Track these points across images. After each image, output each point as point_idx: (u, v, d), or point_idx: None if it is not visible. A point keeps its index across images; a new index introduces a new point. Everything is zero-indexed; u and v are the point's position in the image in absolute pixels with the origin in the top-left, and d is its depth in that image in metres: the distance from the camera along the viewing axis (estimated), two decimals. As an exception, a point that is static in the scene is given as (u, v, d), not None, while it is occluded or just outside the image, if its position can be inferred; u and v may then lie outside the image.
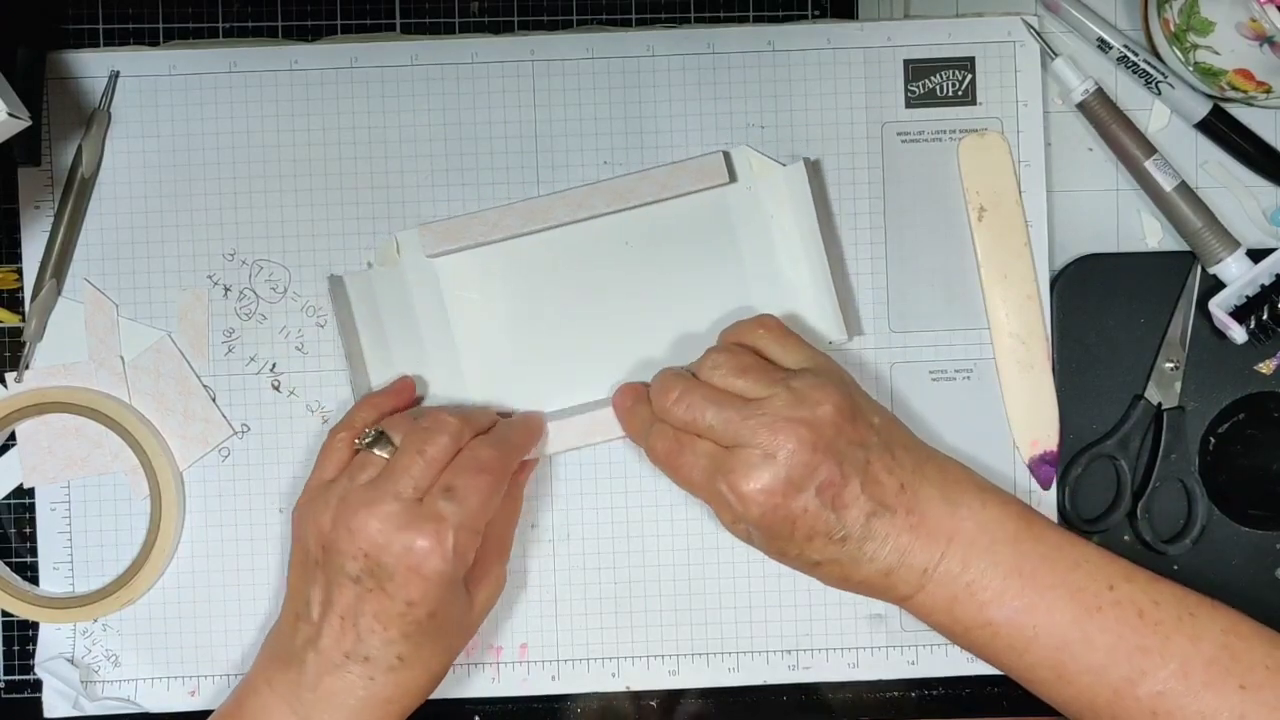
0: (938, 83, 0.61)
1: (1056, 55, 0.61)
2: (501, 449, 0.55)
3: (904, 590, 0.53)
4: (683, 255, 0.61)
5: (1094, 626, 0.51)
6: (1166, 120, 0.62)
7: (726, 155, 0.60)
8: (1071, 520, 0.61)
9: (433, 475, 0.53)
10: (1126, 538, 0.62)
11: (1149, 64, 0.60)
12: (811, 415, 0.51)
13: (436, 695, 0.61)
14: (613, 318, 0.61)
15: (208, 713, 0.61)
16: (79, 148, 0.60)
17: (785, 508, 0.51)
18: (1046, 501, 0.61)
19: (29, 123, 0.53)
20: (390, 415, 0.57)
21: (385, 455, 0.54)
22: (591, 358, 0.61)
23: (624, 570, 0.61)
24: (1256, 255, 0.60)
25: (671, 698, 0.62)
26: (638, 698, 0.62)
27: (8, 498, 0.61)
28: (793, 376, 0.53)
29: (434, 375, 0.60)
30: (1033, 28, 0.61)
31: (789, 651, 0.61)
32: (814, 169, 0.60)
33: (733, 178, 0.60)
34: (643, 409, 0.57)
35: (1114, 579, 0.52)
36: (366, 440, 0.55)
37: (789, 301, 0.60)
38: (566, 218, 0.60)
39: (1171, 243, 0.62)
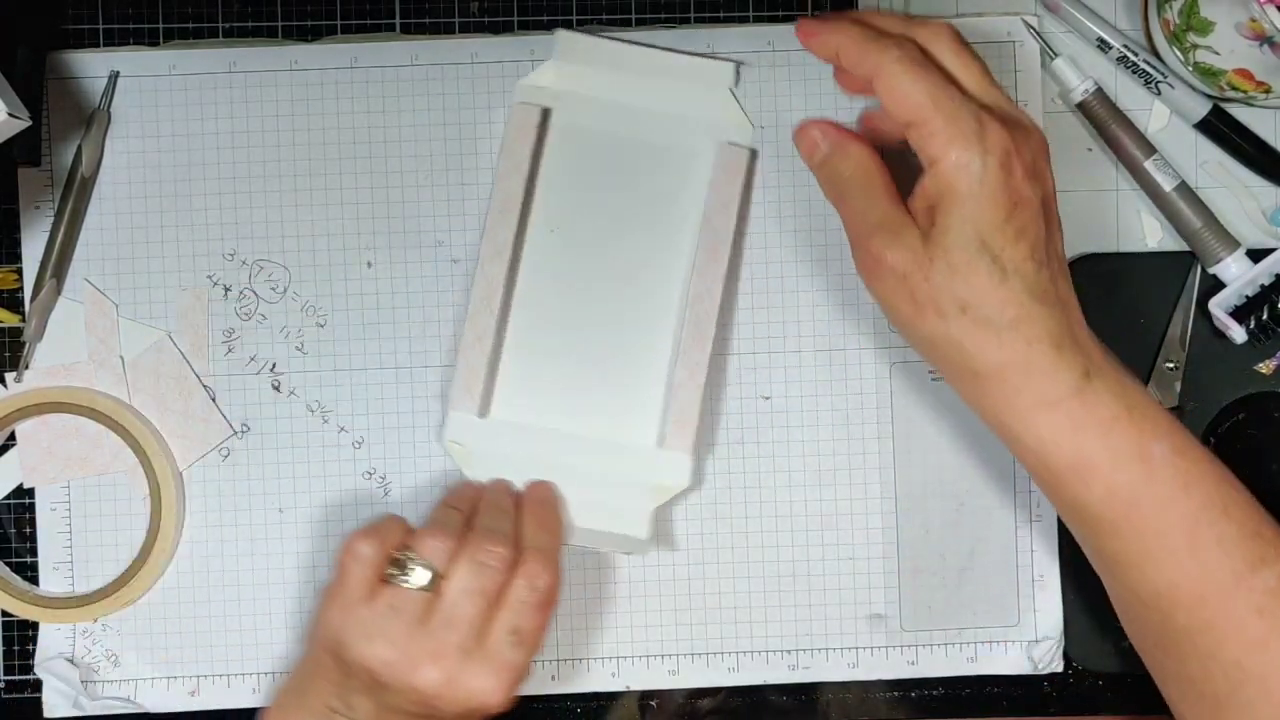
0: (938, 83, 0.61)
1: (1056, 55, 0.61)
2: (554, 568, 0.54)
3: (1062, 385, 0.48)
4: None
5: (1229, 494, 0.49)
6: (1166, 120, 0.62)
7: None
8: (1071, 520, 0.61)
9: (490, 612, 0.52)
10: (1126, 538, 0.62)
11: (1149, 64, 0.60)
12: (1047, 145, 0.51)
13: (436, 695, 0.61)
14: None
15: (207, 713, 0.61)
16: (79, 148, 0.60)
17: (1018, 180, 0.48)
18: (1047, 502, 0.61)
19: (29, 123, 0.53)
20: (420, 532, 0.54)
21: (424, 583, 0.52)
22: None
23: (624, 570, 0.61)
24: (1256, 255, 0.60)
25: (671, 698, 0.62)
26: (638, 698, 0.62)
27: (8, 498, 0.61)
28: None
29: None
30: (1032, 28, 0.61)
31: (789, 651, 0.61)
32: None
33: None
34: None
35: None
36: (404, 568, 0.53)
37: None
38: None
39: (1171, 243, 0.62)
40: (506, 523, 0.55)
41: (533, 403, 0.60)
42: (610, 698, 0.62)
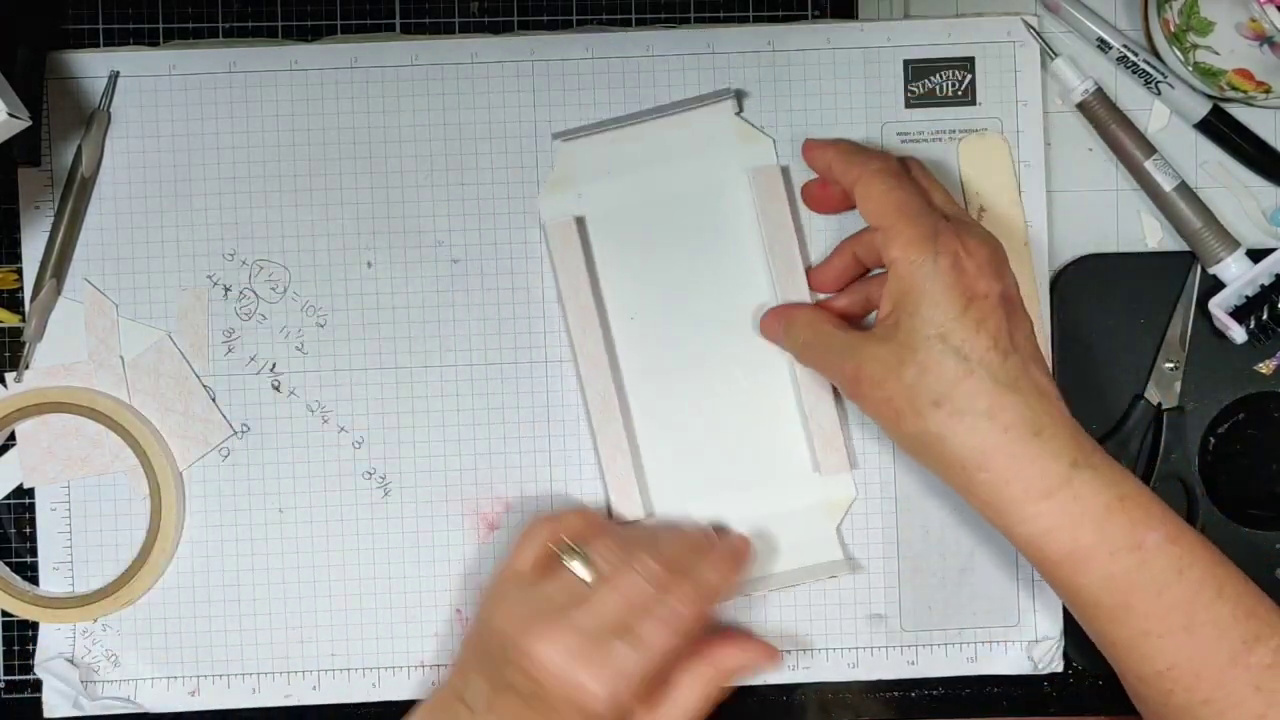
0: (938, 83, 0.61)
1: (1056, 55, 0.61)
2: (702, 605, 0.54)
3: (1050, 475, 0.49)
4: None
5: (1224, 574, 0.50)
6: (1166, 120, 0.62)
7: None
8: (1071, 520, 0.61)
9: (623, 615, 0.52)
10: (1126, 538, 0.62)
11: (1149, 64, 0.60)
12: (1006, 254, 0.54)
13: (436, 695, 0.61)
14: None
15: (207, 713, 0.61)
16: (79, 148, 0.60)
17: (971, 277, 0.51)
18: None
19: (29, 123, 0.53)
20: (600, 531, 0.56)
21: (584, 575, 0.54)
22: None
23: (624, 570, 0.61)
24: (1256, 255, 0.60)
25: (671, 698, 0.62)
26: (638, 698, 0.62)
27: (8, 498, 0.61)
28: None
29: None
30: (1032, 28, 0.61)
31: (789, 651, 0.61)
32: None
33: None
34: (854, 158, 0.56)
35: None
36: (569, 555, 0.54)
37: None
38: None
39: (1171, 243, 0.62)
40: (683, 550, 0.55)
41: (688, 482, 0.60)
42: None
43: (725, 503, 0.60)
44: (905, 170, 0.55)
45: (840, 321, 0.56)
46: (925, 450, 0.51)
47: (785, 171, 0.61)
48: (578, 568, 0.54)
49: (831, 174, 0.57)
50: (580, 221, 0.60)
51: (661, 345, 0.61)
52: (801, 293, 0.60)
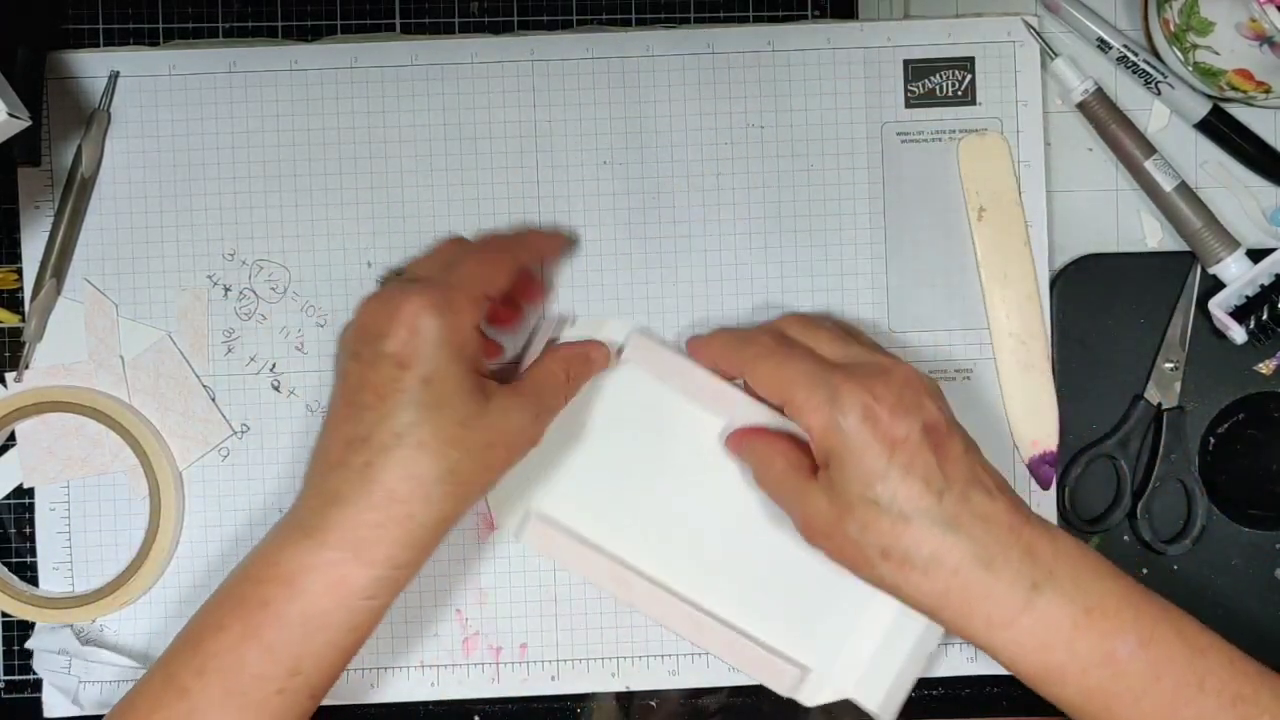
0: (937, 83, 0.61)
1: (1056, 55, 0.61)
2: (501, 241, 0.56)
3: (1008, 604, 0.49)
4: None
5: (1204, 666, 0.50)
6: (1166, 120, 0.62)
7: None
8: (1071, 521, 0.61)
9: (428, 269, 0.54)
10: (1126, 538, 0.62)
11: (1149, 64, 0.60)
12: (919, 375, 0.52)
13: (434, 696, 0.61)
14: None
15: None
16: (79, 148, 0.60)
17: (887, 424, 0.50)
18: (1046, 502, 0.61)
19: (29, 123, 0.53)
20: None
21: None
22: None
23: (624, 570, 0.61)
24: (1256, 255, 0.60)
25: (672, 698, 0.62)
26: (638, 698, 0.62)
27: (8, 498, 0.62)
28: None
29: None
30: (1032, 28, 0.61)
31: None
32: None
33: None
34: (742, 346, 0.56)
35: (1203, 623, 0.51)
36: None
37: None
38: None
39: (1171, 243, 0.62)
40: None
41: (795, 621, 0.59)
42: (610, 698, 0.62)
43: (835, 615, 0.59)
44: (784, 338, 0.55)
45: (792, 453, 0.54)
46: (889, 592, 0.52)
47: (647, 330, 0.60)
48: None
49: (720, 370, 0.57)
50: (546, 519, 0.59)
51: (679, 540, 0.59)
52: (748, 409, 0.57)
